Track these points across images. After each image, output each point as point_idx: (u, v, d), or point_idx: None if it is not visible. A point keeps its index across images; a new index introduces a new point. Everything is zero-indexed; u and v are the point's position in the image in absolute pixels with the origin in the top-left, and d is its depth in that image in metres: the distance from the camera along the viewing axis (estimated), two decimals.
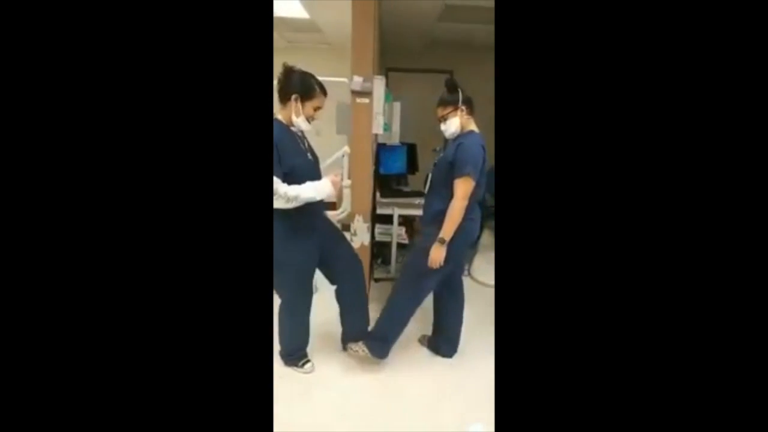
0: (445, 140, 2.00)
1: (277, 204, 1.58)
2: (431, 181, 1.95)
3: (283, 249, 1.67)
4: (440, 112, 1.86)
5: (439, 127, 1.89)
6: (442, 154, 1.90)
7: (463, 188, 1.73)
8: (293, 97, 1.63)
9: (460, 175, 1.73)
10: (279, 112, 1.69)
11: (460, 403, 1.79)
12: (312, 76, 1.69)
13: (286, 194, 1.58)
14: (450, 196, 1.76)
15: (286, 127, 1.69)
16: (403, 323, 1.94)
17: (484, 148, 1.77)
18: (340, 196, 1.78)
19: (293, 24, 3.36)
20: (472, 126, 1.87)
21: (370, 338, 1.94)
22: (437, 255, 1.75)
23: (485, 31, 3.37)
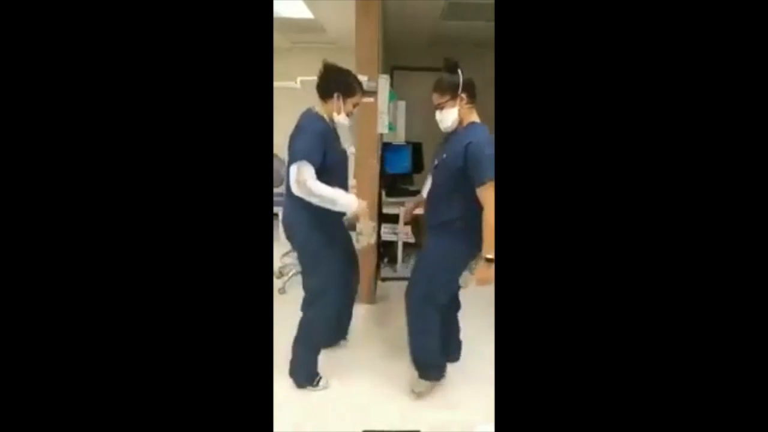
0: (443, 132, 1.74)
1: (297, 191, 1.56)
2: (434, 185, 1.70)
3: (318, 240, 1.70)
4: (436, 99, 1.62)
5: (435, 116, 1.65)
6: (444, 156, 1.63)
7: (492, 196, 1.46)
8: (335, 94, 1.66)
9: (484, 183, 1.48)
10: (319, 108, 1.71)
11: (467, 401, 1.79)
12: (352, 74, 1.72)
13: (311, 188, 1.55)
14: (462, 202, 1.57)
15: (328, 123, 1.70)
16: (437, 340, 1.78)
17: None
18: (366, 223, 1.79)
19: (297, 24, 3.37)
20: (474, 117, 1.64)
21: (416, 365, 1.83)
22: (488, 275, 1.51)
23: (489, 29, 3.36)
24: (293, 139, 1.64)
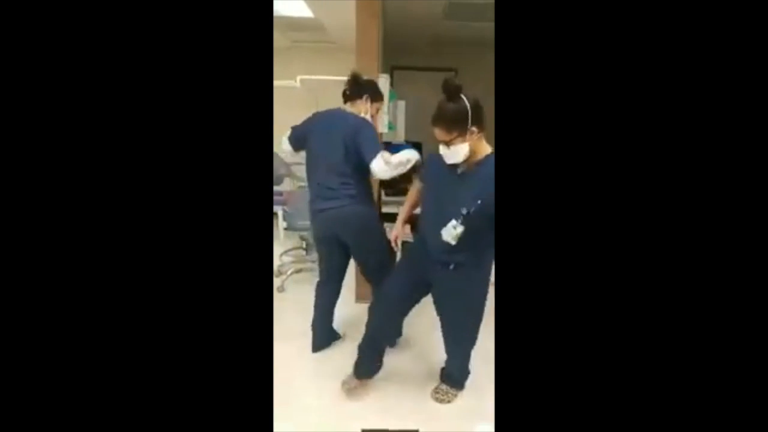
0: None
1: (388, 173, 1.73)
2: (466, 232, 1.45)
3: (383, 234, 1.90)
4: (441, 136, 1.38)
5: (440, 148, 1.43)
6: (479, 202, 1.40)
7: None
8: (365, 96, 1.87)
9: None
10: (348, 107, 1.89)
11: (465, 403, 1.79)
12: (376, 84, 1.97)
13: (396, 162, 1.72)
14: (491, 241, 1.42)
15: None
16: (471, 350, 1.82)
17: None
18: None
19: (298, 23, 3.37)
20: (486, 146, 1.45)
21: (453, 379, 1.85)
22: None
23: (490, 29, 3.36)
24: (355, 140, 1.74)
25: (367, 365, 1.84)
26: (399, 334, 2.13)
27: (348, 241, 1.91)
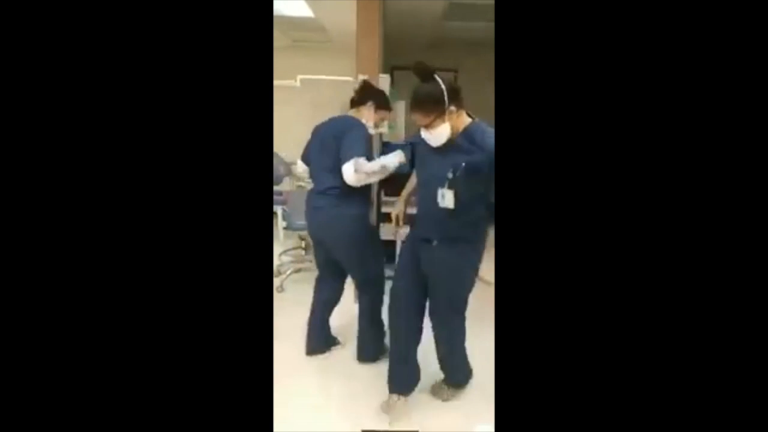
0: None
1: (357, 181, 1.67)
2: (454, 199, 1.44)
3: (367, 233, 1.88)
4: (420, 120, 1.37)
5: (422, 133, 1.43)
6: (463, 164, 1.39)
7: None
8: (369, 102, 1.86)
9: None
10: (352, 113, 1.89)
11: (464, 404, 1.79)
12: (385, 93, 1.98)
13: (368, 170, 1.67)
14: (481, 210, 1.49)
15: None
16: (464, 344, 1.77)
17: None
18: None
19: (298, 23, 3.37)
20: (466, 118, 1.44)
21: (455, 381, 1.82)
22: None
23: (490, 29, 3.36)
24: (341, 140, 1.73)
25: (400, 378, 1.73)
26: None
27: (333, 248, 1.88)
